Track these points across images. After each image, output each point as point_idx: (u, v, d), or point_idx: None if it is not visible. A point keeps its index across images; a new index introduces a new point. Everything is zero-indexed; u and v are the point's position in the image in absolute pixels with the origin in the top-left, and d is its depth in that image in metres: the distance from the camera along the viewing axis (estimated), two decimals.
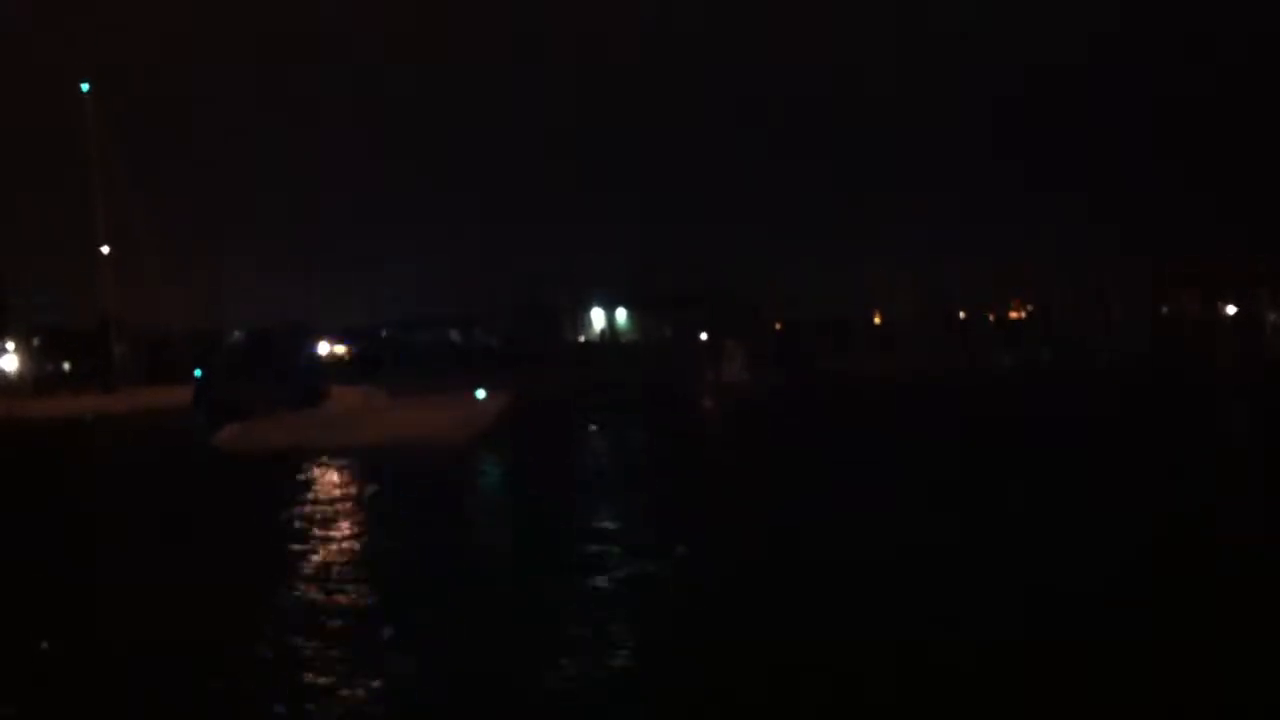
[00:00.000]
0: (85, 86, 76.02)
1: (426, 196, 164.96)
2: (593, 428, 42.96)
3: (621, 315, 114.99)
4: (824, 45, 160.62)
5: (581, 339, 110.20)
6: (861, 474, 26.27)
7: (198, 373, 75.50)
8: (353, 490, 27.33)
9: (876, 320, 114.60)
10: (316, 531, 21.19)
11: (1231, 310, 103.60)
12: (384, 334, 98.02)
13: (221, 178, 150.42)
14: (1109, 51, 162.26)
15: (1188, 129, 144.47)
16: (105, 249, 74.94)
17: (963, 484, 23.83)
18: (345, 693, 11.47)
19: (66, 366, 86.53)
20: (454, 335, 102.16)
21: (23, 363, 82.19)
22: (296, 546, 19.57)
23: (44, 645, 13.42)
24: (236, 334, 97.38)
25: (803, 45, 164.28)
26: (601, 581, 15.73)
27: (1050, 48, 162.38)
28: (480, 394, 37.97)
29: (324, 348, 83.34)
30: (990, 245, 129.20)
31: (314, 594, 15.66)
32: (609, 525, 20.56)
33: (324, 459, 32.43)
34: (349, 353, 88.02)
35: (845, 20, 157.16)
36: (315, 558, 18.47)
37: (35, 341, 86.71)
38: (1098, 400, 48.46)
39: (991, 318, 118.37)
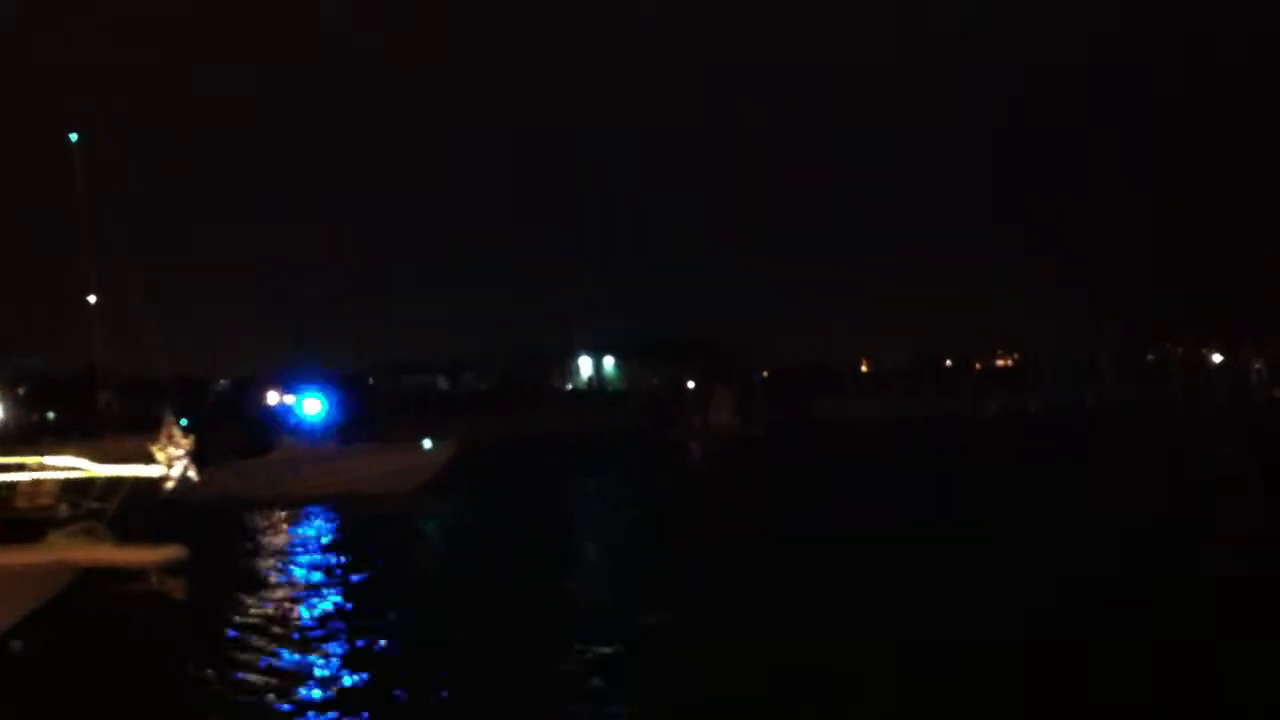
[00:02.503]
0: (74, 137, 75.77)
1: (423, 202, 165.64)
2: (553, 475, 42.07)
3: (609, 363, 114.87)
4: (824, 45, 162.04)
5: (569, 386, 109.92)
6: (826, 518, 25.62)
7: (184, 421, 74.95)
8: (277, 542, 26.15)
9: (864, 368, 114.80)
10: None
11: (1218, 358, 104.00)
12: (371, 380, 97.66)
13: (218, 198, 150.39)
14: (1109, 51, 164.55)
15: (1187, 130, 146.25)
16: (92, 298, 74.51)
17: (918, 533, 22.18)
18: None
19: (51, 415, 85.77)
20: (442, 381, 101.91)
21: (6, 411, 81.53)
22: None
23: None
24: (222, 382, 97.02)
25: (803, 45, 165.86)
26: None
27: (1050, 48, 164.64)
28: (427, 444, 38.24)
29: (272, 398, 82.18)
30: (980, 292, 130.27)
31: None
32: (512, 583, 18.37)
33: (260, 509, 31.68)
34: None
35: (845, 20, 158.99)
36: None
37: (20, 390, 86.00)
38: (1077, 443, 48.52)
39: (979, 366, 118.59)
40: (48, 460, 15.67)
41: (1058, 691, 11.14)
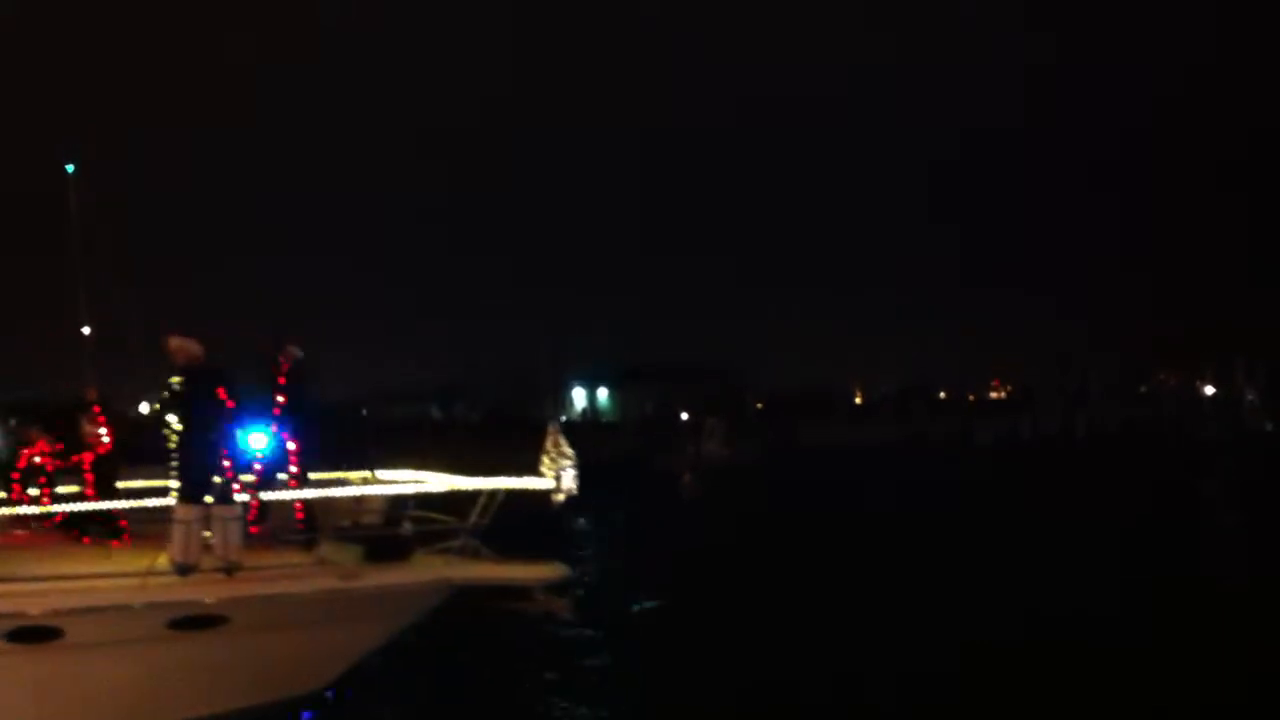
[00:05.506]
0: (70, 168, 76.00)
1: (422, 201, 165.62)
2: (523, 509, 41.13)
3: (603, 394, 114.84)
4: (827, 46, 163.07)
5: (564, 418, 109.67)
6: (821, 525, 25.66)
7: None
8: None
9: (858, 398, 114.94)
10: None
11: (1210, 390, 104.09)
12: (364, 410, 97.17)
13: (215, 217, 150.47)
14: (1105, 53, 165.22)
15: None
16: (86, 329, 74.47)
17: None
18: None
19: None
20: (434, 410, 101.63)
21: None
22: None
23: None
24: None
25: (808, 46, 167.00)
26: None
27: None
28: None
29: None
30: (974, 322, 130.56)
31: None
32: None
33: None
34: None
35: (845, 27, 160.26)
36: None
37: (12, 422, 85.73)
38: (1071, 470, 48.40)
39: (972, 397, 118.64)
40: (381, 474, 15.21)
41: (1057, 691, 11.15)
